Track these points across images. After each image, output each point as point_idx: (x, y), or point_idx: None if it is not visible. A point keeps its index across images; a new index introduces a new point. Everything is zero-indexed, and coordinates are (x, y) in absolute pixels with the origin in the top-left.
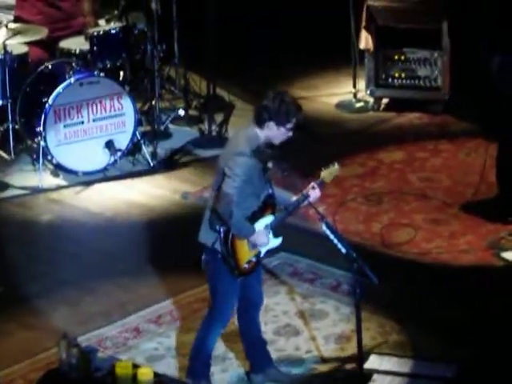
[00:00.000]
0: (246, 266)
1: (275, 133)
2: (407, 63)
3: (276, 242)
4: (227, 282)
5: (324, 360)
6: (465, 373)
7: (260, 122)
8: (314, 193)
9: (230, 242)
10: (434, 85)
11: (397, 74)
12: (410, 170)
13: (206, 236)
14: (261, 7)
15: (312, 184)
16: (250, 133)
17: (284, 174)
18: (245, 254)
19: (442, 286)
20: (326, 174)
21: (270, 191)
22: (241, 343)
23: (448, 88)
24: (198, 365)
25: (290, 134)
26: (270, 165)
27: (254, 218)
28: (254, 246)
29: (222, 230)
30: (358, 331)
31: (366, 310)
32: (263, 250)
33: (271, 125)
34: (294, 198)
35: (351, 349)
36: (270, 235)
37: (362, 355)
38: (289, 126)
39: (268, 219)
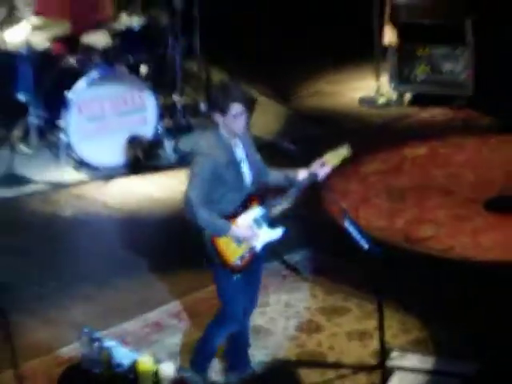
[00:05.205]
0: (238, 262)
1: (228, 122)
2: (430, 58)
3: (274, 233)
4: (228, 283)
5: (346, 357)
6: (486, 371)
7: (213, 117)
8: (323, 170)
9: (210, 242)
10: (457, 80)
11: (420, 70)
12: (434, 165)
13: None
14: (287, 4)
15: (319, 162)
16: (212, 130)
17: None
18: (233, 251)
19: (466, 283)
20: (331, 156)
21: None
22: None
23: (472, 83)
24: (200, 359)
25: (244, 117)
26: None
27: (236, 213)
28: (238, 241)
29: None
30: (381, 328)
31: (388, 307)
32: (258, 244)
33: (217, 116)
34: (301, 178)
35: (373, 345)
36: (264, 227)
37: (384, 352)
38: (233, 112)
39: (255, 212)
